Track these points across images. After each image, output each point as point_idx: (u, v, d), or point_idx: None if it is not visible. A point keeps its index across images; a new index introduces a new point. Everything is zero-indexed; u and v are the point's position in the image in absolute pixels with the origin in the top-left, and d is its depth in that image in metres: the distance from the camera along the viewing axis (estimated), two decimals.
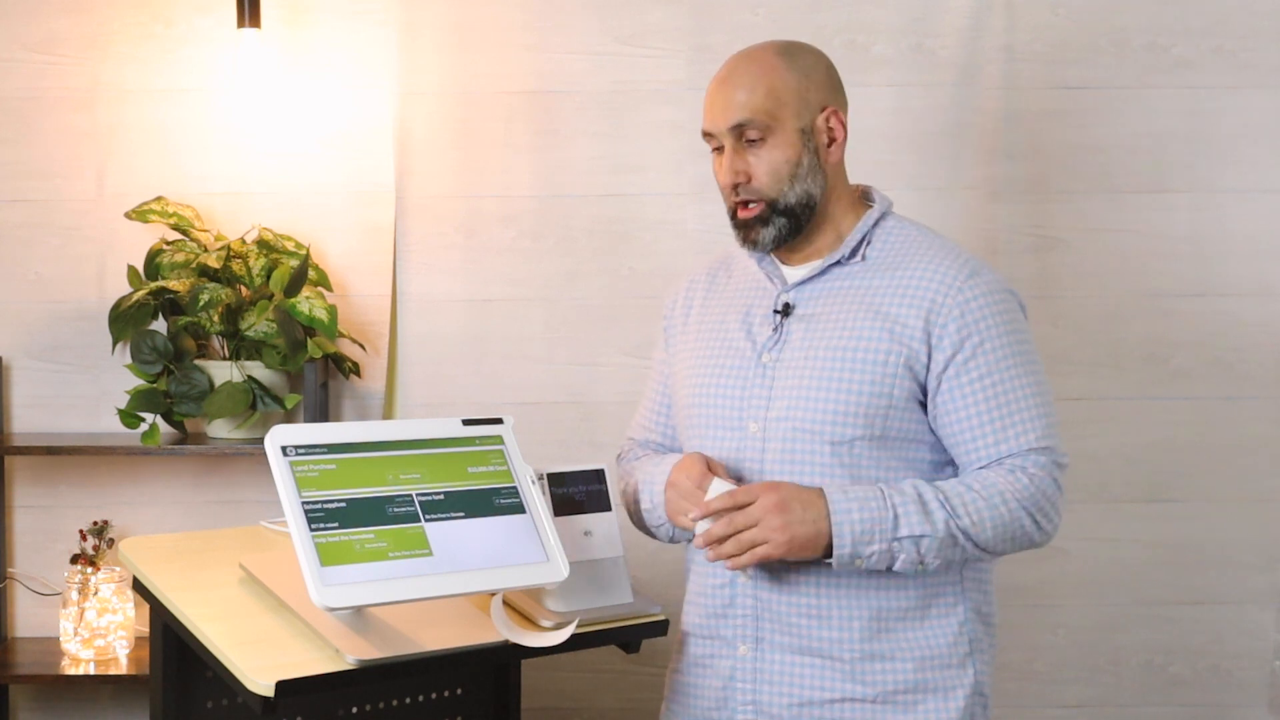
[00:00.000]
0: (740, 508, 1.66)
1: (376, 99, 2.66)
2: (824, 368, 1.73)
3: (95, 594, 2.59)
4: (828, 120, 1.79)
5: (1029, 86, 2.59)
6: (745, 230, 1.79)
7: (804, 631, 1.74)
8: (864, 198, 1.86)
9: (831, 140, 1.79)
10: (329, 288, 2.65)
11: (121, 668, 2.56)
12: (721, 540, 1.66)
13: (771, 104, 1.75)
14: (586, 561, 1.76)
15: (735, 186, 1.77)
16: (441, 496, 1.66)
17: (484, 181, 2.64)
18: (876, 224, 1.82)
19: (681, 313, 1.94)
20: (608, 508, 1.81)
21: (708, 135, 1.80)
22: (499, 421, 1.78)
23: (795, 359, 1.76)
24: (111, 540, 2.66)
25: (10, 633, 2.72)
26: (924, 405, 1.74)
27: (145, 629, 2.61)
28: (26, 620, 2.72)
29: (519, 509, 1.70)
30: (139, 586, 1.79)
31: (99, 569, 2.61)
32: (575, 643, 1.68)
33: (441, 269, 2.64)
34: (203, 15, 2.66)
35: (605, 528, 1.80)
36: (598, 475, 1.82)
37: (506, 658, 1.70)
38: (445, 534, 1.63)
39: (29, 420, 2.71)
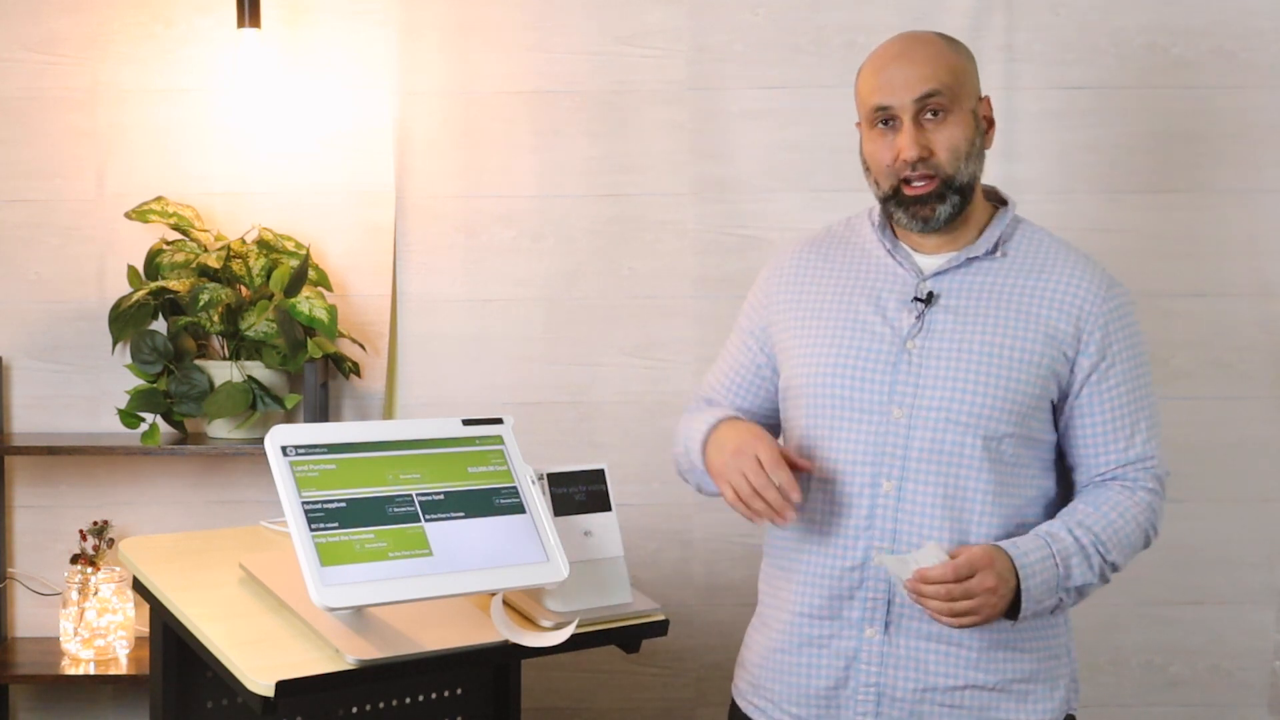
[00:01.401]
0: (958, 580, 1.64)
1: (376, 99, 2.66)
2: (980, 362, 1.74)
3: (95, 594, 2.59)
4: (985, 108, 1.83)
5: (1029, 86, 2.59)
6: (918, 206, 1.77)
7: None
8: (990, 196, 1.88)
9: (989, 127, 1.83)
10: (329, 288, 2.65)
11: (121, 668, 2.56)
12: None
13: (953, 80, 1.77)
14: (586, 561, 1.76)
15: (917, 161, 1.75)
16: (441, 496, 1.66)
17: (484, 181, 2.63)
18: (1012, 223, 1.84)
19: (790, 287, 1.90)
20: (608, 508, 1.81)
21: (881, 110, 1.77)
22: (499, 421, 1.78)
23: (945, 349, 1.76)
24: (111, 540, 2.66)
25: (10, 633, 2.72)
26: (1053, 407, 1.79)
27: (145, 629, 2.61)
28: (26, 620, 2.72)
29: (519, 509, 1.70)
30: (139, 586, 1.79)
31: (99, 569, 2.61)
32: (575, 643, 1.68)
33: (441, 269, 2.64)
34: (203, 15, 2.66)
35: (605, 528, 1.80)
36: (598, 475, 1.82)
37: (506, 658, 1.70)
38: (445, 534, 1.63)
39: (29, 420, 2.71)
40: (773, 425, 1.93)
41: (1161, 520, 1.81)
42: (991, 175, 2.57)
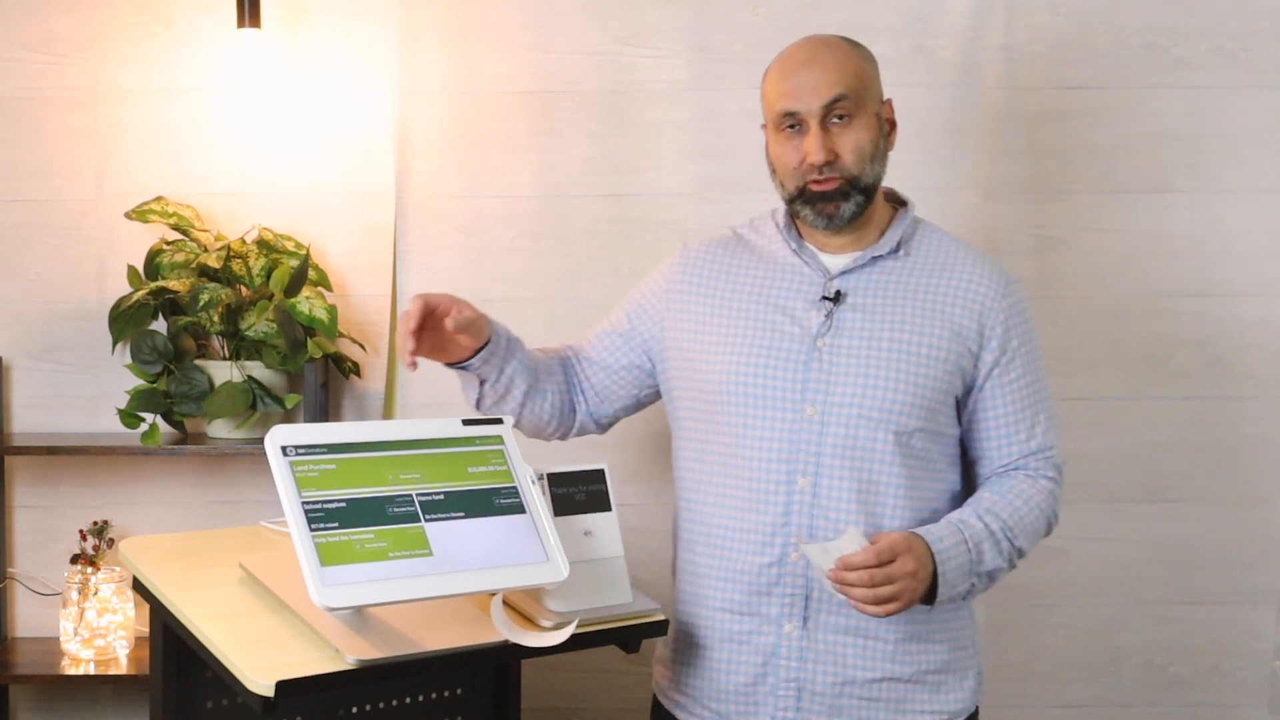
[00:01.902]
0: (880, 565, 1.67)
1: (376, 99, 2.66)
2: (889, 358, 1.79)
3: (95, 594, 2.59)
4: (888, 111, 1.87)
5: (1029, 86, 2.59)
6: (822, 204, 1.81)
7: (854, 611, 1.76)
8: (889, 197, 1.93)
9: (891, 129, 1.87)
10: (329, 288, 2.65)
11: (121, 668, 2.56)
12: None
13: (858, 84, 1.81)
14: (586, 561, 1.76)
15: (823, 165, 1.79)
16: (441, 496, 1.66)
17: (484, 181, 2.63)
18: (913, 223, 1.90)
19: (694, 287, 1.93)
20: (608, 508, 1.81)
21: (788, 115, 1.81)
22: (499, 421, 1.78)
23: (855, 346, 1.80)
24: (111, 540, 2.66)
25: (10, 633, 2.72)
26: (957, 402, 1.84)
27: (145, 629, 2.61)
28: (26, 620, 2.72)
29: (519, 509, 1.70)
30: (139, 586, 1.79)
31: (99, 569, 2.61)
32: (575, 643, 1.68)
33: (441, 269, 2.64)
34: (203, 15, 2.66)
35: (605, 528, 1.80)
36: (598, 475, 1.82)
37: (506, 658, 1.70)
38: (445, 534, 1.63)
39: (29, 420, 2.71)
40: (611, 390, 2.00)
41: (1060, 507, 1.89)
42: (991, 175, 2.59)
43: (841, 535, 1.70)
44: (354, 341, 2.67)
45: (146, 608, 1.98)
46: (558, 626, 1.68)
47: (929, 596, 1.72)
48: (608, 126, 2.62)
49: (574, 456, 2.45)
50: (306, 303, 2.55)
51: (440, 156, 2.63)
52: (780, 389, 1.81)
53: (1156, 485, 2.62)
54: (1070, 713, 2.65)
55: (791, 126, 1.81)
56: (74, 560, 2.63)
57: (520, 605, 1.75)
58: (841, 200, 1.81)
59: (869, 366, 1.79)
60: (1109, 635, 2.64)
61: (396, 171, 2.64)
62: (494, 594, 1.66)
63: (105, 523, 2.67)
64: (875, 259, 1.85)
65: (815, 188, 1.80)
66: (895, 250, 1.86)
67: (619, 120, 2.62)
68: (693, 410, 1.90)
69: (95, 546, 2.65)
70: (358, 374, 2.69)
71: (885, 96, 1.87)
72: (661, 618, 1.79)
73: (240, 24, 2.57)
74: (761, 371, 1.82)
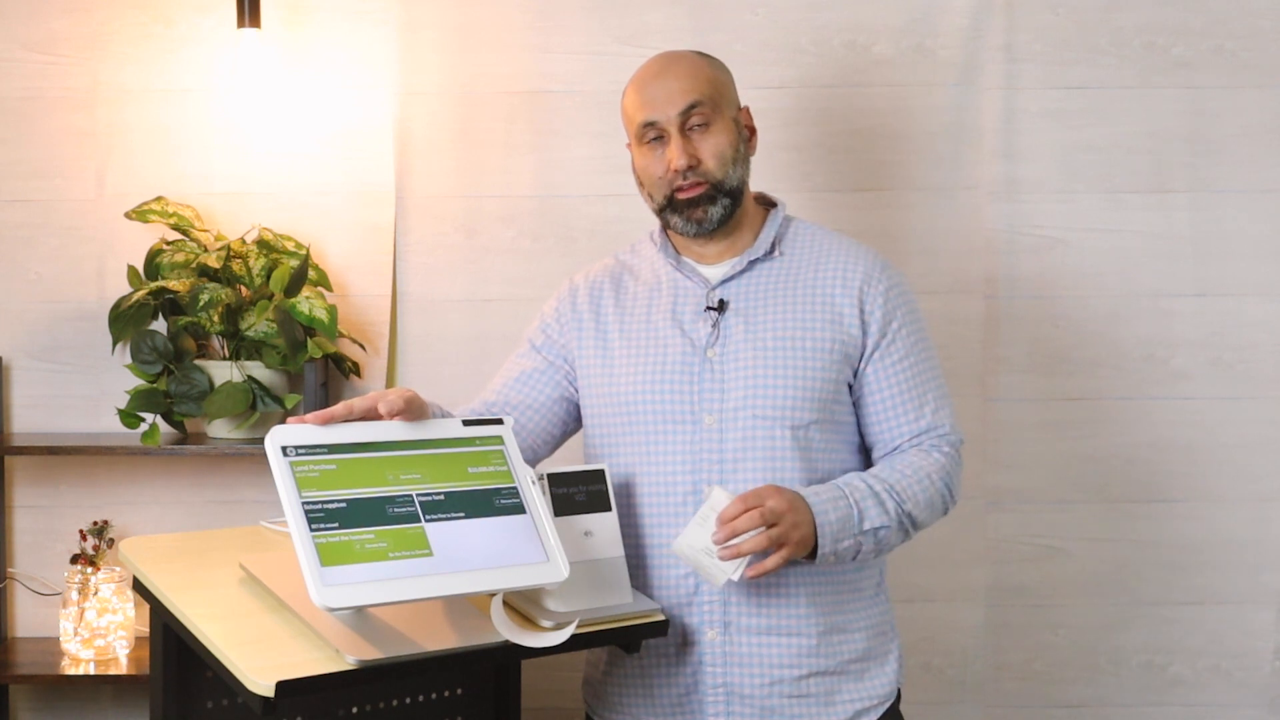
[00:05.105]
0: (748, 507, 1.69)
1: (376, 99, 2.66)
2: (775, 357, 1.83)
3: (95, 594, 2.59)
4: (745, 117, 1.93)
5: (1029, 86, 2.59)
6: (690, 209, 1.86)
7: (772, 611, 1.81)
8: (760, 200, 1.98)
9: (751, 134, 1.93)
10: (329, 288, 2.65)
11: (121, 668, 2.56)
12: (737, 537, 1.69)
13: (713, 91, 1.87)
14: (586, 561, 1.77)
15: (687, 170, 1.84)
16: (442, 497, 1.66)
17: (484, 181, 2.64)
18: (784, 223, 1.94)
19: (586, 318, 1.96)
20: (608, 508, 1.81)
21: (648, 126, 1.87)
22: (499, 422, 1.78)
23: (742, 351, 1.84)
24: (111, 540, 2.66)
25: (10, 633, 2.72)
26: (850, 387, 1.87)
27: (145, 629, 2.61)
28: (26, 620, 2.72)
29: (519, 509, 1.70)
30: (139, 586, 1.79)
31: (99, 569, 2.61)
32: (575, 643, 1.68)
33: (441, 269, 2.64)
34: (203, 15, 2.66)
35: (605, 528, 1.80)
36: (598, 475, 1.82)
37: (506, 658, 1.70)
38: (445, 534, 1.63)
39: (29, 420, 2.71)
40: (544, 430, 1.98)
41: (958, 484, 1.88)
42: (991, 175, 2.59)
43: (705, 501, 1.72)
44: (354, 341, 2.67)
45: (146, 608, 1.98)
46: (558, 626, 1.68)
47: (812, 553, 1.73)
48: (608, 126, 2.62)
49: (574, 457, 2.46)
50: (306, 303, 2.54)
51: (440, 156, 2.63)
52: (676, 403, 1.84)
53: (1156, 485, 2.62)
54: (1070, 713, 2.65)
55: (654, 138, 1.87)
56: (74, 560, 2.62)
57: (520, 605, 1.75)
58: (708, 204, 1.85)
59: (757, 368, 1.82)
60: (1109, 635, 2.64)
61: (396, 171, 2.64)
62: (494, 594, 1.66)
63: (105, 523, 2.67)
64: (752, 263, 1.90)
65: (681, 195, 1.85)
66: (770, 252, 1.91)
67: (619, 120, 2.61)
68: (605, 433, 1.92)
69: (95, 546, 2.65)
70: (358, 374, 2.69)
71: (740, 104, 1.93)
72: (661, 618, 1.79)
73: (240, 24, 2.57)
74: (658, 388, 1.86)
